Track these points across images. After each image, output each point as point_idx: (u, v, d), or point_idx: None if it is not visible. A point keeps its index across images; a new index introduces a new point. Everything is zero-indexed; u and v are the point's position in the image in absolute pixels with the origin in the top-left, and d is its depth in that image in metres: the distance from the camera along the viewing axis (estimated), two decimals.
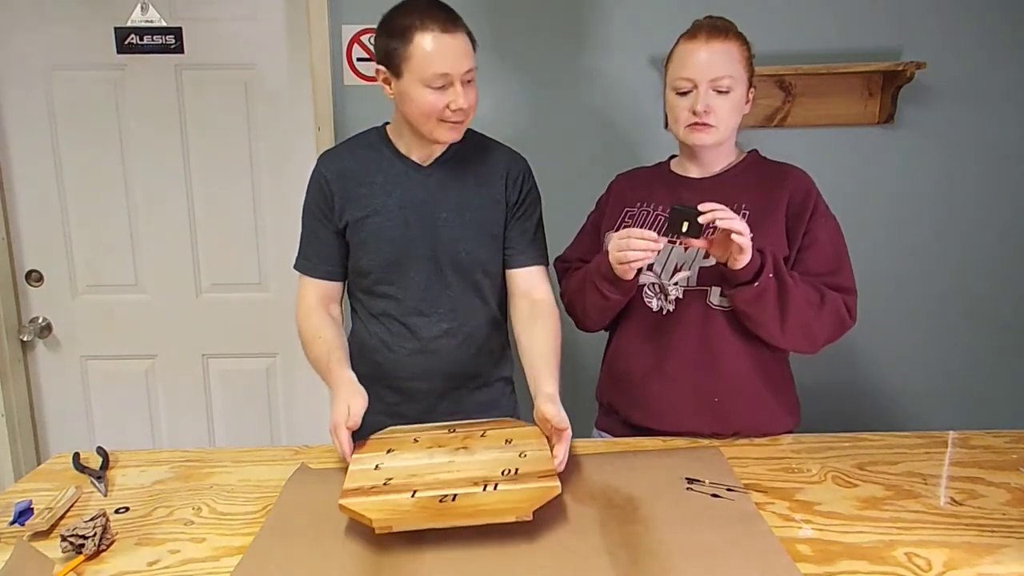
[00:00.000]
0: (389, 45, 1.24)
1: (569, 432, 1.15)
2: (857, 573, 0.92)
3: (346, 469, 1.14)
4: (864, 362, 2.11)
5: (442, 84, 1.22)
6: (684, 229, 1.18)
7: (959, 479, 1.16)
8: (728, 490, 1.12)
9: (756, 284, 1.20)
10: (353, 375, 1.29)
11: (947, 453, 1.26)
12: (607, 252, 1.27)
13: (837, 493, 1.12)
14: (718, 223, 1.16)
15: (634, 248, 1.19)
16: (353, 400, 1.21)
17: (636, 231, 1.20)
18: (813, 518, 1.05)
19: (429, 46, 1.20)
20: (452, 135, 1.29)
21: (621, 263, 1.23)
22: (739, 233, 1.15)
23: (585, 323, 1.44)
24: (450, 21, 1.22)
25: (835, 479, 1.17)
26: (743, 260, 1.19)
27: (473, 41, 1.27)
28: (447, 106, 1.24)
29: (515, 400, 1.54)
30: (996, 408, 2.12)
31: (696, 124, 1.29)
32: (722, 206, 1.16)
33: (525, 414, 1.47)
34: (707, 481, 1.14)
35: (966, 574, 0.91)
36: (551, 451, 1.13)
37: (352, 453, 1.18)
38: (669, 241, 1.21)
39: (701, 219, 1.16)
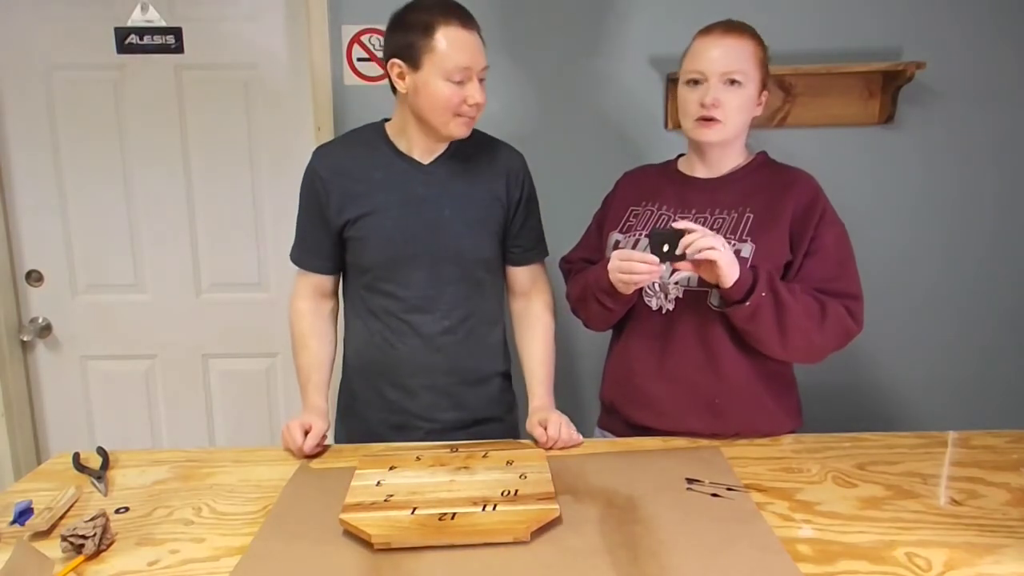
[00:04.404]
0: (407, 39, 1.26)
1: (560, 441, 1.29)
2: (857, 573, 0.92)
3: (314, 456, 1.28)
4: (864, 362, 2.11)
5: (461, 78, 1.26)
6: (665, 250, 1.18)
7: (959, 479, 1.16)
8: (728, 490, 1.12)
9: (747, 303, 1.20)
10: (324, 404, 1.40)
11: (947, 453, 1.26)
12: (607, 265, 1.27)
13: (837, 493, 1.12)
14: (689, 252, 1.16)
15: (636, 271, 1.20)
16: (317, 422, 1.31)
17: (638, 254, 1.21)
18: (813, 518, 1.05)
19: (452, 40, 1.24)
20: (464, 130, 1.32)
21: (622, 282, 1.24)
22: (713, 249, 1.15)
23: (590, 327, 1.46)
24: (469, 19, 1.27)
25: (835, 479, 1.17)
26: (729, 278, 1.18)
27: (483, 42, 1.30)
28: (464, 100, 1.27)
29: (512, 394, 1.56)
30: (996, 408, 2.12)
31: (703, 119, 1.28)
32: (699, 228, 1.16)
33: (523, 408, 1.49)
34: (707, 481, 1.15)
35: (966, 574, 0.91)
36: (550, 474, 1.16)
37: (310, 448, 1.27)
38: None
39: (679, 247, 1.17)
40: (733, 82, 1.26)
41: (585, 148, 1.99)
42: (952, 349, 2.10)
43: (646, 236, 1.30)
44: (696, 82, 1.29)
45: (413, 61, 1.26)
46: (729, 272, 1.18)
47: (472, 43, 1.26)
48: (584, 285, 1.38)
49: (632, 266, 1.20)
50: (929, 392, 2.12)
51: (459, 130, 1.31)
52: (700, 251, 1.16)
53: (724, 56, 1.26)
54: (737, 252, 1.26)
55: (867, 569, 0.92)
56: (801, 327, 1.23)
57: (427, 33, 1.24)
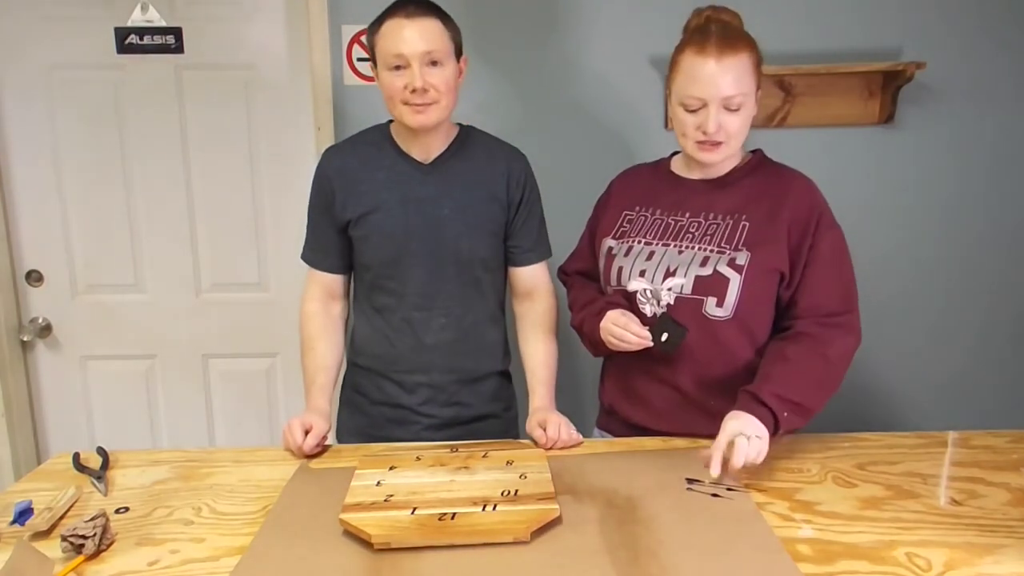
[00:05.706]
0: (369, 38, 1.32)
1: (560, 442, 1.28)
2: (857, 573, 0.92)
3: (314, 456, 1.28)
4: (864, 362, 2.09)
5: (398, 65, 1.27)
6: (663, 339, 1.23)
7: (959, 479, 1.16)
8: (728, 490, 1.12)
9: (774, 435, 1.19)
10: (327, 407, 1.39)
11: (947, 453, 1.26)
12: (601, 314, 1.29)
13: (837, 493, 1.12)
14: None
15: (627, 340, 1.25)
16: (319, 422, 1.31)
17: (635, 326, 1.24)
18: (813, 518, 1.05)
19: (389, 30, 1.27)
20: (417, 119, 1.30)
21: (610, 343, 1.28)
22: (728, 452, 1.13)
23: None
24: (418, 9, 1.28)
25: (835, 479, 1.17)
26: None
27: (453, 29, 1.32)
28: (405, 87, 1.28)
29: (512, 391, 1.57)
30: (996, 408, 2.12)
31: (706, 143, 1.25)
32: (718, 449, 1.12)
33: (522, 405, 1.50)
34: (707, 481, 1.14)
35: (966, 574, 0.91)
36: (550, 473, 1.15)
37: (310, 447, 1.26)
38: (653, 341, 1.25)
39: (707, 481, 1.14)
40: (734, 108, 1.22)
41: (584, 149, 1.99)
42: (953, 348, 2.10)
43: (664, 216, 1.32)
44: (695, 109, 1.23)
45: (373, 59, 1.32)
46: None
47: (411, 29, 1.25)
48: (581, 321, 1.39)
49: (624, 335, 1.25)
50: (931, 392, 2.12)
51: (410, 118, 1.31)
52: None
53: (724, 80, 1.19)
54: (732, 260, 1.25)
55: (867, 569, 0.92)
56: (819, 398, 1.24)
57: (376, 31, 1.29)
